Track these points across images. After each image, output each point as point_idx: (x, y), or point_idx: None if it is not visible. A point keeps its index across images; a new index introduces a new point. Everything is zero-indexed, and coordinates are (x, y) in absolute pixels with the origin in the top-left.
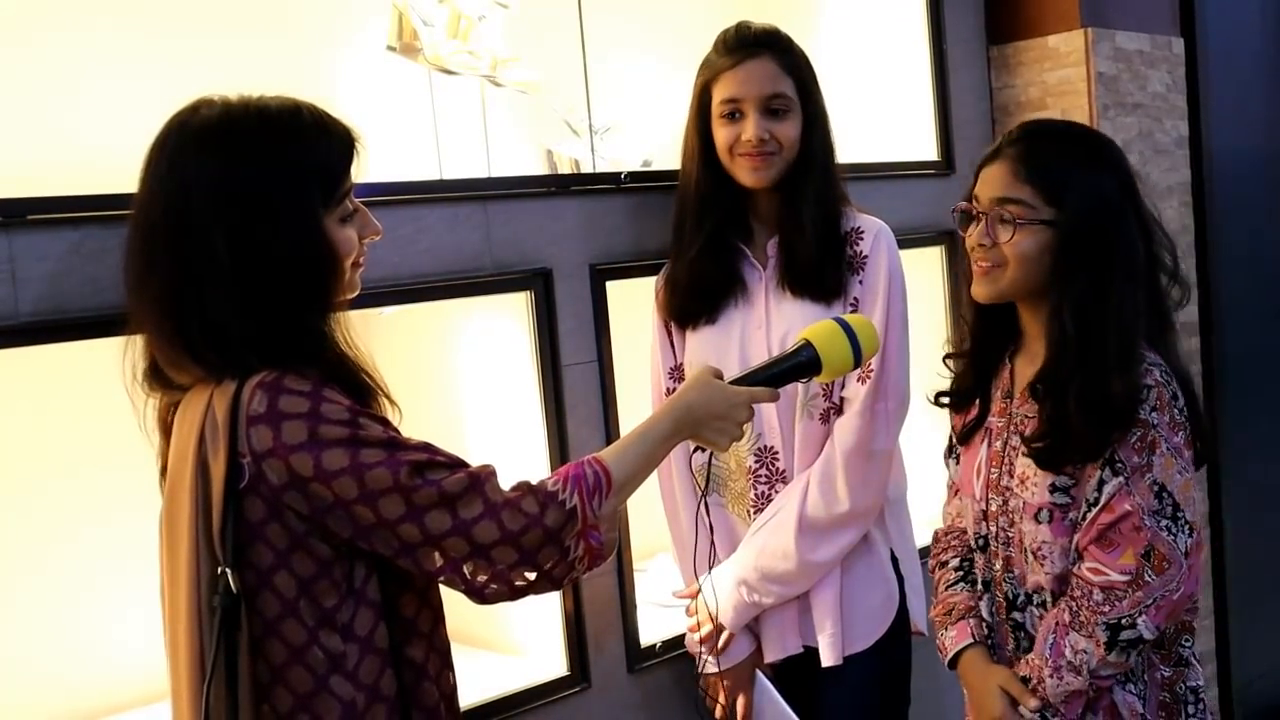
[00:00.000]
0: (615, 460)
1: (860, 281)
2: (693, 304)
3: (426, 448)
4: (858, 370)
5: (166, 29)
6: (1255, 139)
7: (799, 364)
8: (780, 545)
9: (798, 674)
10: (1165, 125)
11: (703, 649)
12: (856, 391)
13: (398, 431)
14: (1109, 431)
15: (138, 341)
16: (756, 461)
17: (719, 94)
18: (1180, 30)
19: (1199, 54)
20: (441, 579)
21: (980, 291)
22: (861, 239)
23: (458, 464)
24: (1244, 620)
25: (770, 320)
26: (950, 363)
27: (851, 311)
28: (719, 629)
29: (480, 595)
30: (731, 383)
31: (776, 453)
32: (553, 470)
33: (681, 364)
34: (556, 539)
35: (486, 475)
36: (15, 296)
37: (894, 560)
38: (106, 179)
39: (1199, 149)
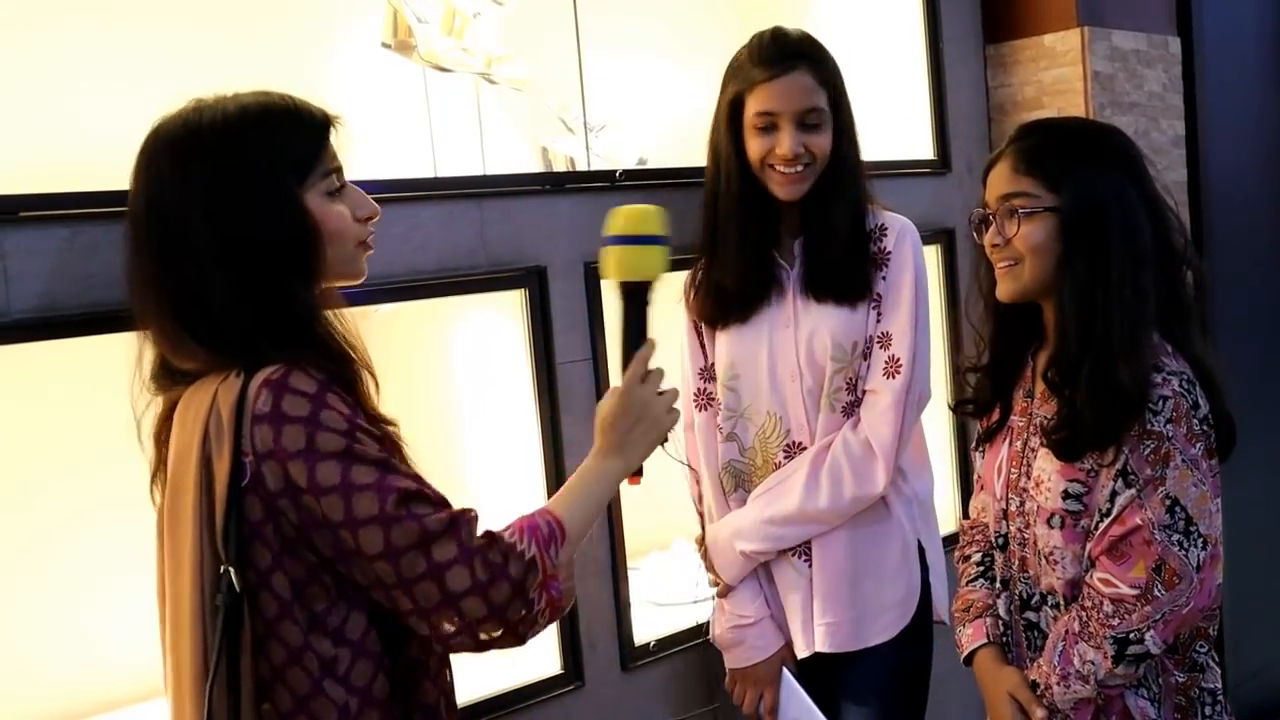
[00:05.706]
0: (564, 509)
1: (884, 278)
2: (729, 309)
3: (417, 478)
4: (882, 365)
5: (160, 26)
6: (1252, 138)
7: (644, 301)
8: (781, 514)
9: (820, 668)
10: (1162, 125)
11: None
12: (884, 385)
13: (390, 453)
14: (1119, 419)
15: (146, 340)
16: (785, 457)
17: (754, 106)
18: (1177, 30)
19: (1196, 53)
20: (410, 621)
21: (1003, 290)
22: (885, 235)
23: (443, 502)
24: (1238, 619)
25: (798, 319)
26: (969, 376)
27: (874, 307)
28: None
29: (445, 645)
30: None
31: (804, 448)
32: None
33: (713, 364)
34: (522, 591)
35: (468, 519)
36: (8, 294)
37: (921, 551)
38: (99, 175)
39: (1195, 148)
